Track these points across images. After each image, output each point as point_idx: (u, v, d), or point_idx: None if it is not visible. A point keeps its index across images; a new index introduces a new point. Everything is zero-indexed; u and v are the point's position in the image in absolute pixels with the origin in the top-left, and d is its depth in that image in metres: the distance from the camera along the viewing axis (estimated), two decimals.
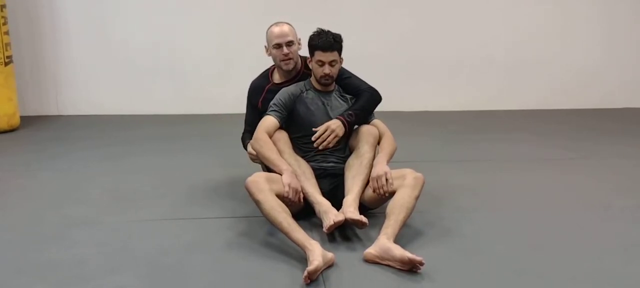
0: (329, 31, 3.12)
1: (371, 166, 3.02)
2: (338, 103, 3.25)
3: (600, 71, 6.43)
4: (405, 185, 2.85)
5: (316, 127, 3.14)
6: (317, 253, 2.49)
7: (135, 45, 5.90)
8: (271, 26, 3.34)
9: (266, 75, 3.44)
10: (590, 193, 3.57)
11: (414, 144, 4.61)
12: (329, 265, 2.54)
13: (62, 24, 5.81)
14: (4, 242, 2.82)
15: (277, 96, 3.20)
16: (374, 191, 2.96)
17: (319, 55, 3.11)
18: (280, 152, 3.06)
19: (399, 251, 2.55)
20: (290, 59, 3.29)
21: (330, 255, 2.56)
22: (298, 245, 2.62)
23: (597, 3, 6.31)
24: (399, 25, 6.11)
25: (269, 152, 3.03)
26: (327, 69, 3.12)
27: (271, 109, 3.17)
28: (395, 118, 5.72)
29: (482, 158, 4.30)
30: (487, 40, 6.23)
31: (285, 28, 3.31)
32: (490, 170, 3.84)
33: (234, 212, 3.20)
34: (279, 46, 3.27)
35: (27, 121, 5.51)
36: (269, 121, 3.13)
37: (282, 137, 3.15)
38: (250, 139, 3.26)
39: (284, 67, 3.31)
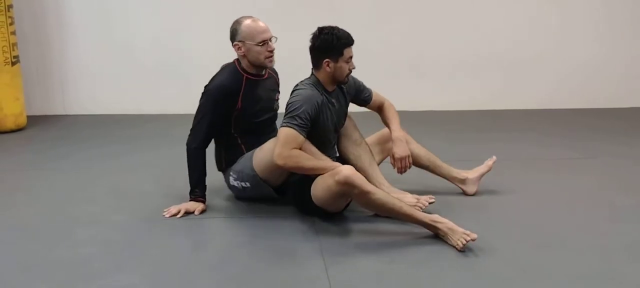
0: (335, 27, 3.04)
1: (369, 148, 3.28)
2: (342, 94, 3.22)
3: (604, 70, 6.40)
4: (411, 141, 3.37)
5: (330, 134, 3.14)
6: (450, 223, 2.77)
7: (140, 45, 5.92)
8: (246, 20, 3.13)
9: (234, 70, 3.19)
10: (594, 193, 3.57)
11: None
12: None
13: (68, 24, 5.84)
14: (10, 241, 2.84)
15: (301, 106, 2.93)
16: (397, 169, 3.23)
17: (349, 51, 3.03)
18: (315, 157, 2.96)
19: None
20: (273, 55, 3.15)
21: None
22: (424, 223, 2.80)
23: (599, 0, 6.27)
24: (401, 25, 6.10)
25: (310, 161, 2.90)
26: (353, 63, 3.09)
27: (296, 122, 2.90)
28: (399, 117, 5.74)
29: (484, 157, 4.28)
30: (489, 40, 6.20)
31: (263, 22, 3.14)
32: (493, 169, 3.83)
33: (238, 211, 3.21)
34: (264, 42, 3.09)
35: (34, 121, 5.54)
36: (296, 138, 2.89)
37: (307, 145, 3.01)
38: (197, 145, 3.17)
39: (269, 65, 3.16)
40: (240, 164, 3.20)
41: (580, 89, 6.37)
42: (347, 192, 2.82)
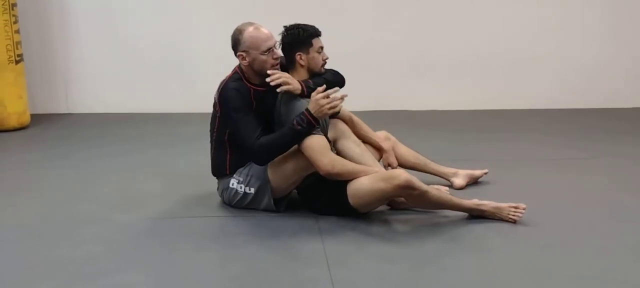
0: (298, 24, 3.17)
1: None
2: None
3: (607, 70, 6.39)
4: (396, 143, 3.55)
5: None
6: (494, 203, 3.04)
7: (144, 44, 5.93)
8: (247, 28, 3.04)
9: (239, 79, 3.08)
10: (597, 193, 3.57)
11: (420, 144, 4.59)
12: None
13: (72, 22, 5.85)
14: (14, 239, 2.85)
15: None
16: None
17: (318, 41, 3.17)
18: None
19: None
20: (278, 63, 3.07)
21: None
22: (470, 209, 3.05)
23: (602, 0, 6.26)
24: (404, 24, 6.10)
25: (355, 166, 3.02)
26: (325, 53, 3.20)
27: (317, 127, 2.95)
28: (400, 117, 5.75)
29: (488, 157, 4.30)
30: (491, 40, 6.20)
31: (266, 29, 3.05)
32: (497, 169, 3.84)
33: (241, 211, 3.21)
34: (269, 50, 3.01)
35: (37, 119, 5.56)
36: (325, 142, 2.97)
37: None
38: (257, 137, 2.92)
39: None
40: (249, 168, 3.12)
41: (582, 89, 6.37)
42: (406, 194, 2.94)
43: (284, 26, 3.17)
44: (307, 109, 2.91)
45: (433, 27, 6.14)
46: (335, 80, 3.23)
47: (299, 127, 2.89)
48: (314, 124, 2.90)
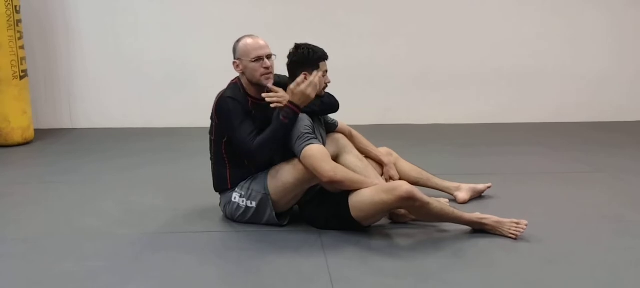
0: (310, 43, 3.18)
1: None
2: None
3: (612, 84, 6.39)
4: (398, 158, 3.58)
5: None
6: (495, 217, 3.04)
7: (148, 59, 5.96)
8: (244, 38, 3.12)
9: (238, 90, 3.11)
10: (602, 207, 3.55)
11: (424, 157, 4.60)
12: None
13: (76, 38, 5.89)
14: (17, 254, 2.85)
15: (305, 123, 3.02)
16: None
17: (324, 65, 3.18)
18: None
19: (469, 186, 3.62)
20: (270, 73, 3.06)
21: None
22: (472, 222, 3.05)
23: (606, 14, 6.27)
24: (407, 38, 6.12)
25: (356, 175, 3.02)
26: (328, 77, 3.21)
27: (313, 137, 2.99)
28: (404, 131, 5.76)
29: (492, 171, 4.29)
30: (496, 53, 6.21)
31: (262, 40, 3.10)
32: (501, 183, 3.84)
33: (245, 225, 3.21)
34: (259, 59, 3.03)
35: (41, 134, 5.58)
36: (324, 150, 2.98)
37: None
38: (253, 139, 2.95)
39: (265, 83, 3.05)
40: (250, 183, 3.12)
41: (587, 103, 6.36)
42: (408, 205, 2.94)
43: (295, 44, 3.19)
44: (290, 101, 2.97)
45: (436, 42, 6.15)
46: (330, 102, 3.28)
47: (287, 121, 2.96)
48: (298, 111, 2.98)
